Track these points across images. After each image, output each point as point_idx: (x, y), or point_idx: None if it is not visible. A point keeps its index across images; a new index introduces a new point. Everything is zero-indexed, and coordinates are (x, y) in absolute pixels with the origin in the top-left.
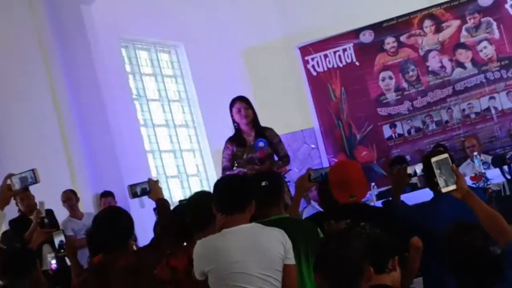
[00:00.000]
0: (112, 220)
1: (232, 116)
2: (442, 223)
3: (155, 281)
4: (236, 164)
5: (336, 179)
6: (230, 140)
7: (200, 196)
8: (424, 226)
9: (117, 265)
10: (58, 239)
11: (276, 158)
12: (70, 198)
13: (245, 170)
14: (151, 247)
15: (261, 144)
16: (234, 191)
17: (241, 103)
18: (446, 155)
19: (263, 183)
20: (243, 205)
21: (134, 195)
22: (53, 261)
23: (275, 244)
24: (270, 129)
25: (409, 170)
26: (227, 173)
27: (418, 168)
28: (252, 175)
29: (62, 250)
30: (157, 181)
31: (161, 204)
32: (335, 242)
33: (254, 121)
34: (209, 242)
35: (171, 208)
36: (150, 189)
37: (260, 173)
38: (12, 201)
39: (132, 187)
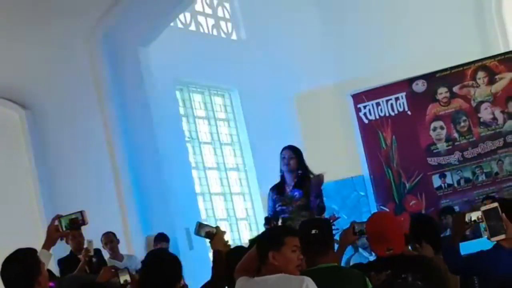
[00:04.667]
0: (161, 265)
1: (280, 164)
2: (502, 270)
3: None
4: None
5: (372, 231)
6: (272, 188)
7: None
8: (483, 272)
9: None
10: (123, 278)
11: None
12: (111, 240)
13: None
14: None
15: (296, 194)
16: (258, 242)
17: (287, 151)
18: (496, 204)
19: (313, 231)
20: (261, 257)
21: (198, 234)
22: None
23: None
24: (310, 181)
25: (466, 217)
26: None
27: (474, 215)
28: (302, 222)
29: None
30: (224, 232)
31: (219, 256)
32: None
33: (297, 170)
34: (239, 283)
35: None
36: (215, 236)
37: (310, 220)
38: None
39: (200, 225)
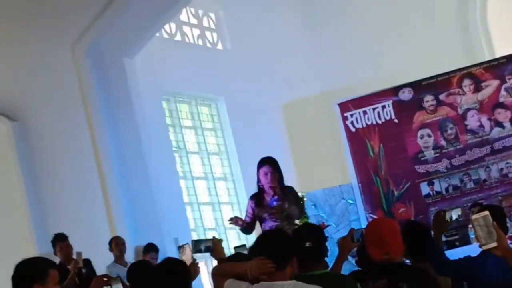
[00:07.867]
0: (177, 273)
1: (258, 175)
2: (489, 277)
3: None
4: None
5: (370, 236)
6: (251, 198)
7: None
8: (472, 277)
9: None
10: (116, 286)
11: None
12: (123, 243)
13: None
14: None
15: (274, 203)
16: (275, 246)
17: (269, 167)
18: (486, 213)
19: (307, 244)
20: (283, 262)
21: (197, 251)
22: None
23: None
24: (289, 189)
25: (447, 216)
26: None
27: (455, 214)
28: (296, 229)
29: None
30: (221, 240)
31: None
32: None
33: (278, 184)
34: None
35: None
36: (213, 247)
37: (303, 231)
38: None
39: (196, 242)
